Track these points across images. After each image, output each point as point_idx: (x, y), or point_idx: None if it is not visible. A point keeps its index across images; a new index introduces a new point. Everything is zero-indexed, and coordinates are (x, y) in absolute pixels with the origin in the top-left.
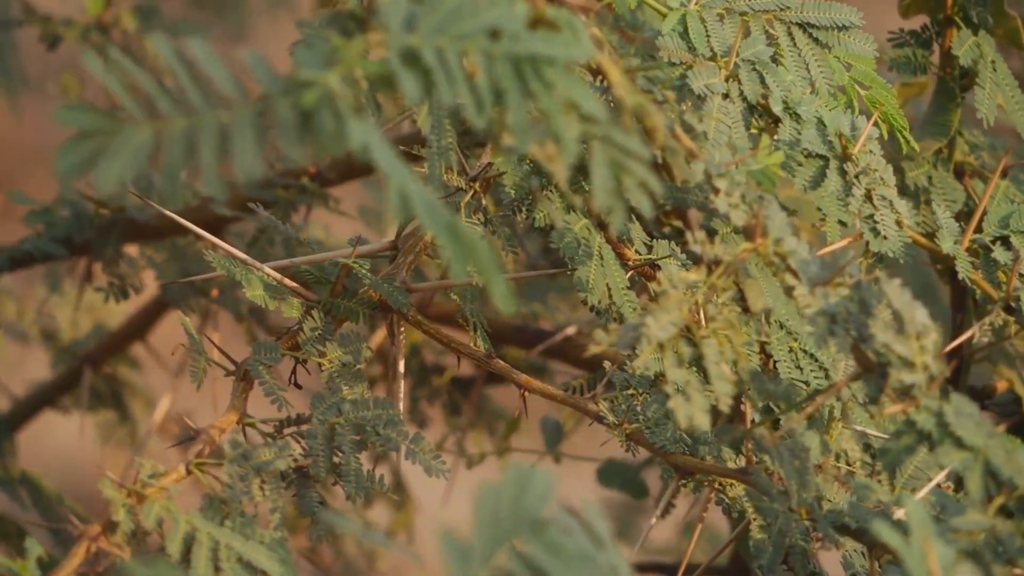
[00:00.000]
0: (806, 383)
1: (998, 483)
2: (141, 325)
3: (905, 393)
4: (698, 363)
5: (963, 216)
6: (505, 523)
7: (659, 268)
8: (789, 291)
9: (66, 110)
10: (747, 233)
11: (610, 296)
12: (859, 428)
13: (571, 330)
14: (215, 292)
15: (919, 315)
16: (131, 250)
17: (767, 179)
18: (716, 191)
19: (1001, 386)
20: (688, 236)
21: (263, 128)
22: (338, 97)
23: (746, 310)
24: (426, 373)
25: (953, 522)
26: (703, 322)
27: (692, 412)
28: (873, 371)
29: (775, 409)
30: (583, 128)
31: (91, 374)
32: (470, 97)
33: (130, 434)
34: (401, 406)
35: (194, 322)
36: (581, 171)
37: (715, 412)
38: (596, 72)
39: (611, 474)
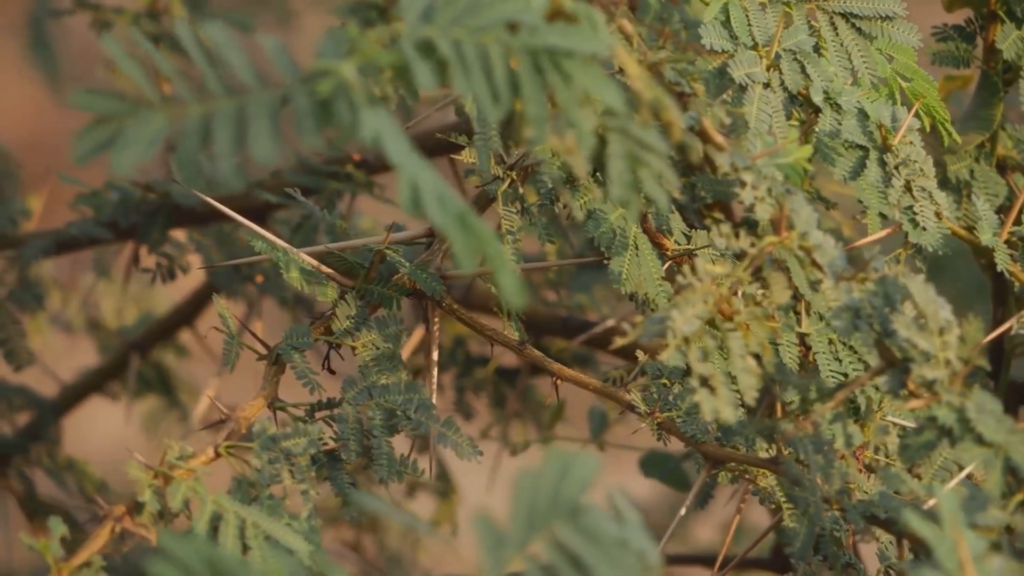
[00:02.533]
0: (845, 375)
1: (1019, 479)
2: (189, 311)
3: (927, 388)
4: (724, 355)
5: (1007, 211)
6: (543, 509)
7: (697, 258)
8: (815, 285)
9: (80, 94)
10: (773, 226)
11: (644, 287)
12: (896, 420)
13: (614, 321)
14: (260, 279)
15: (942, 311)
16: (178, 235)
17: (796, 172)
18: (742, 184)
19: None
20: (713, 229)
21: (280, 116)
22: (352, 87)
23: (771, 303)
24: (471, 364)
25: (974, 518)
26: (730, 314)
27: (718, 405)
28: (896, 366)
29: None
30: (600, 121)
31: (139, 360)
32: (486, 89)
33: (177, 421)
34: (435, 393)
35: (240, 309)
36: (602, 164)
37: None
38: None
39: (653, 464)
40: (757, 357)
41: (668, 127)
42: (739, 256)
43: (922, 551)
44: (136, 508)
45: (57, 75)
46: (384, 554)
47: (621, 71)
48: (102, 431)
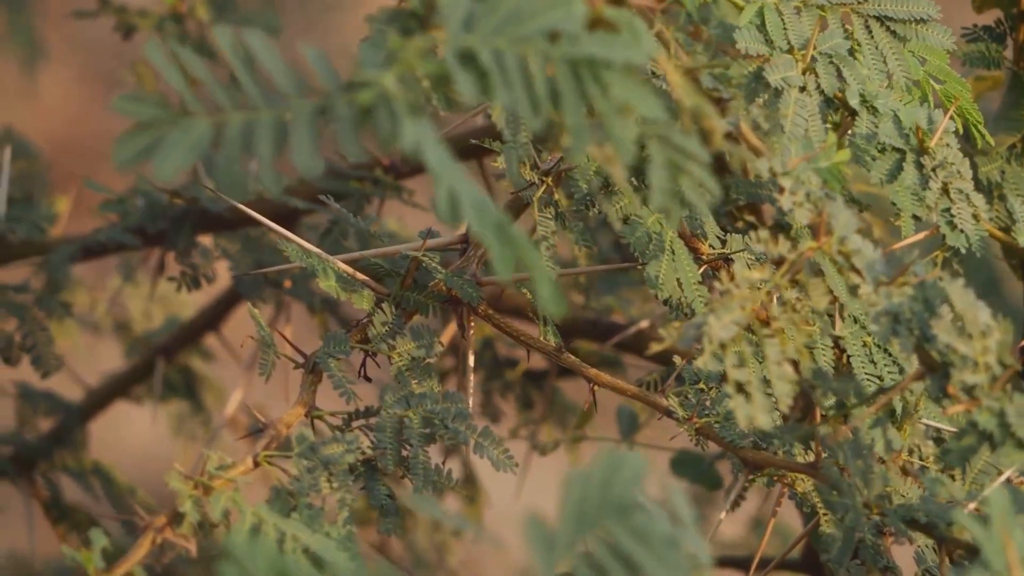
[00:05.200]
0: (879, 378)
1: None
2: (215, 316)
3: (968, 393)
4: (760, 361)
5: None
6: (592, 508)
7: (733, 262)
8: (854, 290)
9: (123, 100)
10: (812, 231)
11: (681, 291)
12: (931, 423)
13: (644, 324)
14: (288, 284)
15: (982, 315)
16: (204, 240)
17: (834, 177)
18: (781, 189)
19: None
20: (752, 235)
21: (320, 124)
22: (393, 97)
23: (805, 308)
24: (499, 366)
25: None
26: (768, 320)
27: (753, 412)
28: (936, 371)
29: (844, 405)
30: (641, 130)
31: (164, 365)
32: (526, 99)
33: (202, 426)
34: (471, 400)
35: (268, 314)
36: (641, 171)
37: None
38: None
39: (685, 465)
40: (794, 363)
41: (709, 134)
42: (777, 261)
43: (964, 555)
44: (176, 519)
45: (34, 57)
46: (411, 555)
47: (662, 77)
48: (128, 436)
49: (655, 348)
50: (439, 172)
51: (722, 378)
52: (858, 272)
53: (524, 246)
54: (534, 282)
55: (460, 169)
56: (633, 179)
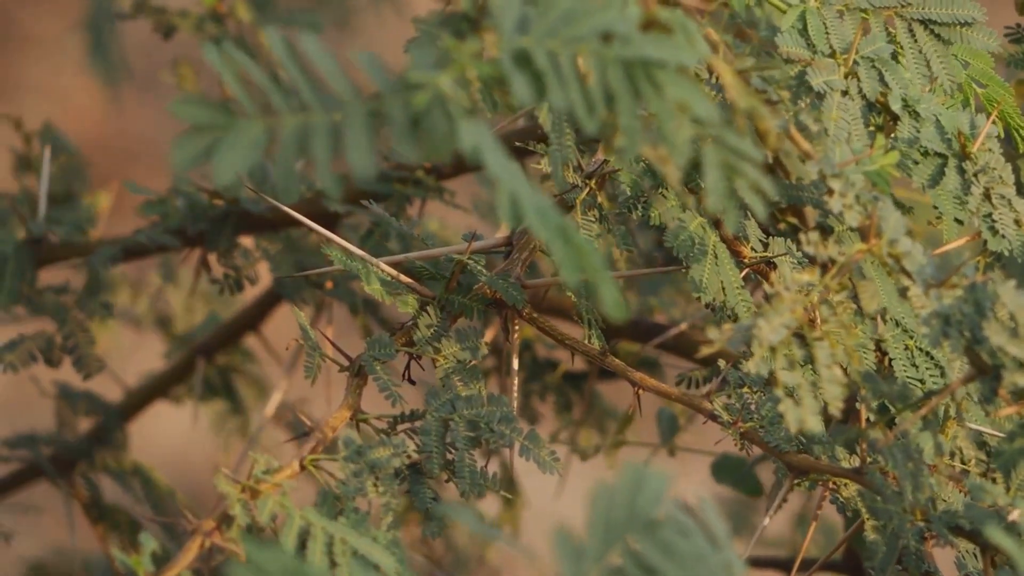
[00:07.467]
0: (921, 381)
1: None
2: (255, 316)
3: (1019, 395)
4: (810, 364)
5: None
6: (618, 522)
7: (775, 266)
8: (903, 292)
9: (179, 103)
10: (861, 234)
11: (724, 295)
12: (974, 427)
13: (685, 325)
14: (329, 284)
15: None
16: (246, 241)
17: (882, 179)
18: (830, 191)
19: None
20: (802, 237)
21: (375, 126)
22: (449, 99)
23: (860, 311)
24: (538, 368)
25: None
26: (817, 323)
27: (802, 415)
28: (987, 373)
29: (890, 409)
30: (696, 130)
31: (205, 365)
32: (581, 100)
33: (242, 426)
34: (515, 402)
35: (308, 314)
36: (695, 171)
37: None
38: (711, 72)
39: (725, 470)
40: (844, 366)
41: (764, 135)
42: (827, 264)
43: (1006, 561)
44: (225, 522)
45: (117, 79)
46: (451, 553)
47: (716, 78)
48: (168, 436)
49: (705, 351)
50: (500, 176)
51: (768, 381)
52: (908, 274)
53: (587, 250)
54: (598, 287)
55: (519, 172)
56: (687, 178)
